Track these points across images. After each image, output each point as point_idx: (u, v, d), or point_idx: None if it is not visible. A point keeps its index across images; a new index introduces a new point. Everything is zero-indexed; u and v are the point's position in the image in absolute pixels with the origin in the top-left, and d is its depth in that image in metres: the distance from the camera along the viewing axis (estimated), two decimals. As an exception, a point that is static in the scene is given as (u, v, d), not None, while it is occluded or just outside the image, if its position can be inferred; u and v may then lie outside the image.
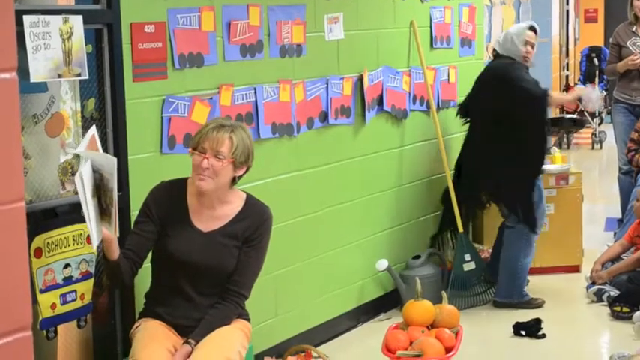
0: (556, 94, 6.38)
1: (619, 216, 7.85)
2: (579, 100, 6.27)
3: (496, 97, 6.08)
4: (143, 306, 4.09)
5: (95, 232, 3.64)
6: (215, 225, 3.98)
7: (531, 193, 6.10)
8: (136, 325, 4.00)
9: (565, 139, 13.04)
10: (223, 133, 3.90)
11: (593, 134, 13.16)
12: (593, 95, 6.54)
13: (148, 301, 4.06)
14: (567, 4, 14.13)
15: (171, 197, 3.99)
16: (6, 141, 1.78)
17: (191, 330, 3.89)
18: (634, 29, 7.99)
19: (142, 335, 3.88)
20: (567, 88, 13.48)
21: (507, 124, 6.04)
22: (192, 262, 3.91)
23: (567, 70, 14.16)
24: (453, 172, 6.45)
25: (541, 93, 6.07)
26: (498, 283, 6.25)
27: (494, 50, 6.35)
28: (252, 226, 4.01)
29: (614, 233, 7.63)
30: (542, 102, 6.10)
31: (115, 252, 3.78)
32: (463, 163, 6.35)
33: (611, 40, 8.23)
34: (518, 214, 6.12)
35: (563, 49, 13.94)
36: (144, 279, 4.20)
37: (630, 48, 7.90)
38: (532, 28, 6.26)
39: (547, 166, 6.60)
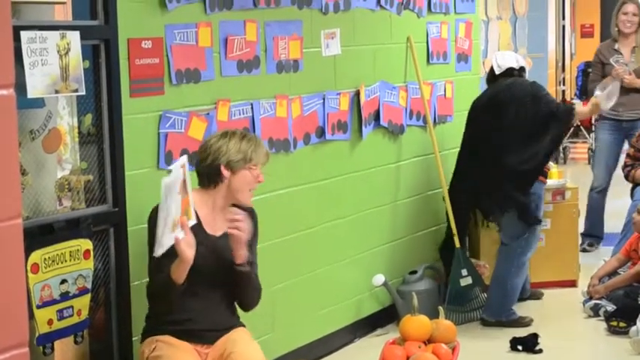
0: (580, 109, 6.46)
1: (616, 230, 7.87)
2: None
3: (525, 112, 6.06)
4: (148, 323, 4.06)
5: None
6: (223, 228, 4.01)
7: (527, 198, 6.09)
8: (151, 345, 3.94)
9: (562, 154, 13.05)
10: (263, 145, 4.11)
11: (590, 149, 13.16)
12: (612, 93, 6.37)
13: (156, 315, 4.02)
14: (563, 19, 14.17)
15: None
16: (3, 157, 1.78)
17: (207, 335, 3.96)
18: (616, 47, 8.01)
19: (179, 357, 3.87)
20: (564, 103, 13.48)
21: (524, 137, 6.04)
22: (210, 265, 3.91)
23: (564, 85, 14.18)
24: (450, 182, 6.43)
25: (566, 110, 6.17)
26: (488, 301, 6.21)
27: (511, 69, 6.28)
28: (249, 214, 4.09)
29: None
30: (567, 118, 6.17)
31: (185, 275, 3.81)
32: (467, 172, 6.29)
33: (593, 58, 8.26)
34: (516, 212, 6.10)
35: (560, 64, 13.97)
36: (140, 294, 4.20)
37: (614, 65, 7.91)
38: None
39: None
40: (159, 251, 3.65)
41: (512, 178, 6.04)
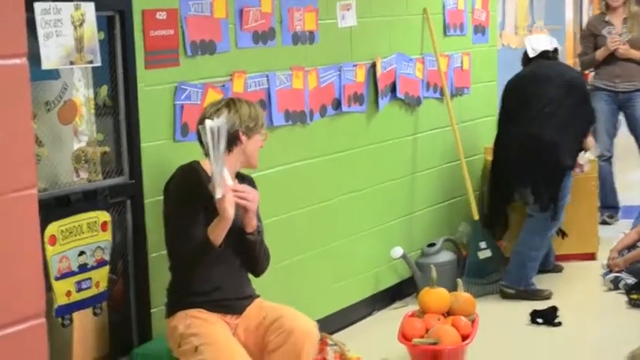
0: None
1: (635, 203, 7.83)
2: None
3: (569, 98, 6.15)
4: (174, 297, 4.01)
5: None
6: None
7: (560, 184, 6.08)
8: (185, 321, 3.87)
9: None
10: None
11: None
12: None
13: (182, 287, 3.98)
14: (581, -10, 14.04)
15: (199, 179, 3.91)
16: (17, 127, 1.76)
17: (235, 305, 3.99)
18: (606, 19, 7.98)
19: (223, 340, 3.86)
20: (582, 75, 13.39)
21: (564, 120, 6.08)
22: (229, 233, 3.85)
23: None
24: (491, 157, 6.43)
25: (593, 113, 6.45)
26: (507, 269, 6.21)
27: (545, 52, 6.39)
28: (250, 184, 4.08)
29: None
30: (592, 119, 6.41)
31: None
32: (507, 146, 6.24)
33: (582, 32, 8.22)
34: (543, 201, 6.07)
35: (577, 36, 13.85)
36: (158, 265, 4.19)
37: (606, 36, 7.87)
38: None
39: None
40: (219, 194, 3.67)
41: (550, 163, 6.06)
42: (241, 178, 4.10)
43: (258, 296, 4.14)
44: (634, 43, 7.84)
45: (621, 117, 8.17)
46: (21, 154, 1.77)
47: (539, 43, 6.47)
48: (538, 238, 6.16)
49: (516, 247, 6.22)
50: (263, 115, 4.11)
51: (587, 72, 8.66)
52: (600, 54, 7.87)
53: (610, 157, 7.96)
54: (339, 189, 5.56)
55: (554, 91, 6.16)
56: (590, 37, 8.03)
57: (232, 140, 3.95)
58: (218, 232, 3.78)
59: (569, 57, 12.80)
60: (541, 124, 6.06)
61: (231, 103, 4.01)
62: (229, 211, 3.73)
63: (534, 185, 6.10)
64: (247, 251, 4.00)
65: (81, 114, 4.18)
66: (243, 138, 3.98)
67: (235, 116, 3.96)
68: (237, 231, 3.90)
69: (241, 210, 3.85)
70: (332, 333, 5.38)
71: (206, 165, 3.89)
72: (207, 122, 3.63)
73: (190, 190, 3.88)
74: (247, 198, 3.83)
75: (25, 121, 1.79)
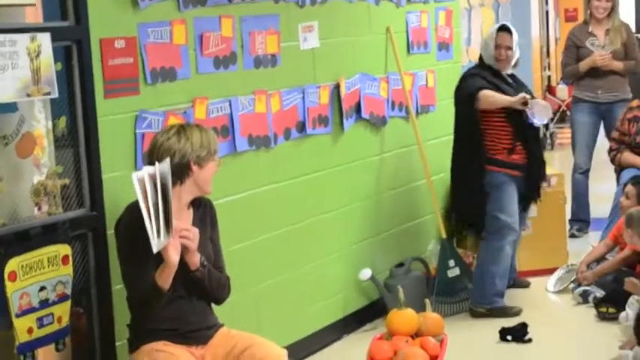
0: (493, 94, 5.86)
1: (603, 215, 7.84)
2: (525, 108, 5.80)
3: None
4: (136, 331, 3.96)
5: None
6: (188, 224, 3.94)
7: (476, 198, 6.03)
8: (150, 355, 3.84)
9: (549, 140, 13.00)
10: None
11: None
12: (542, 107, 5.90)
13: (143, 323, 3.92)
14: (547, 4, 14.14)
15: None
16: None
17: (200, 335, 3.95)
18: (589, 30, 8.04)
19: None
20: (549, 88, 13.46)
21: (458, 132, 6.13)
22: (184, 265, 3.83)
23: (549, 70, 14.15)
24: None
25: (469, 92, 5.94)
26: (472, 287, 6.18)
27: (480, 57, 6.21)
28: (207, 212, 4.06)
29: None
30: (470, 101, 5.92)
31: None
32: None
33: (566, 42, 8.25)
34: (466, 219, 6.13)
35: (544, 49, 13.94)
36: (122, 298, 4.14)
37: (589, 48, 7.97)
38: (504, 28, 6.09)
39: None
40: (156, 247, 3.63)
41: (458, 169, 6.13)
42: (198, 203, 4.05)
43: (222, 325, 4.10)
44: (616, 54, 7.89)
45: None
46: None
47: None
48: (491, 252, 6.07)
49: (475, 265, 6.22)
50: (216, 140, 4.03)
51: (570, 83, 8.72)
52: (584, 66, 7.92)
53: (587, 171, 7.99)
54: (306, 212, 5.53)
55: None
56: (573, 48, 8.07)
57: (184, 171, 3.91)
58: (164, 278, 3.74)
59: (536, 70, 12.88)
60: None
61: (181, 131, 3.94)
62: (173, 259, 3.70)
63: (463, 212, 6.18)
64: (197, 287, 3.94)
65: (43, 146, 4.13)
66: (195, 168, 3.92)
67: (187, 145, 3.90)
68: (184, 268, 3.86)
69: (183, 248, 3.80)
70: (302, 359, 5.35)
71: None
72: (135, 175, 3.59)
73: (138, 230, 3.74)
74: (189, 237, 3.78)
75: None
